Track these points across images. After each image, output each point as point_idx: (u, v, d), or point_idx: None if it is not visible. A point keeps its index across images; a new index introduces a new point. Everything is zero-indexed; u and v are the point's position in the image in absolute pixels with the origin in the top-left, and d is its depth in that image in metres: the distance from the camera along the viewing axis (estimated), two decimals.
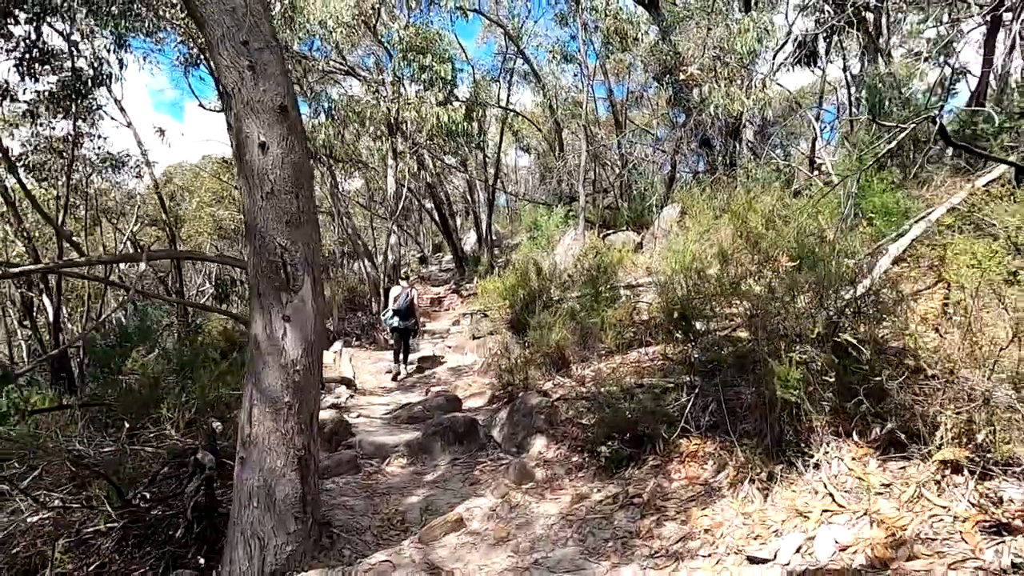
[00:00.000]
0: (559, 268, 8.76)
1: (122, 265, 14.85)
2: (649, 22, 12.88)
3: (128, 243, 14.66)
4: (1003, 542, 1.85)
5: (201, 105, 13.61)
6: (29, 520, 3.19)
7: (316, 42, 13.51)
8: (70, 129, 10.10)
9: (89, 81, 8.16)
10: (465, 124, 11.54)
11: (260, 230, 2.61)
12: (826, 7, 8.62)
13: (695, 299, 3.95)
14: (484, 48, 24.72)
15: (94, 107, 10.37)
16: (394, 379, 8.52)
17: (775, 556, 2.26)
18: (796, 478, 2.67)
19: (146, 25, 8.90)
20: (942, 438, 2.19)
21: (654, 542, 2.74)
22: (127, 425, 4.12)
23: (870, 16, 9.16)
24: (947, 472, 2.17)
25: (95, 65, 8.14)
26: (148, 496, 3.46)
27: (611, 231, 11.84)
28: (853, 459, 2.57)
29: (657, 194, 12.22)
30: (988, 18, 7.10)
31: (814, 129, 11.13)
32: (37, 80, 8.10)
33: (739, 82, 9.94)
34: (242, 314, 13.86)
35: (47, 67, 8.16)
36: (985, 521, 1.94)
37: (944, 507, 2.07)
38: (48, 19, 7.99)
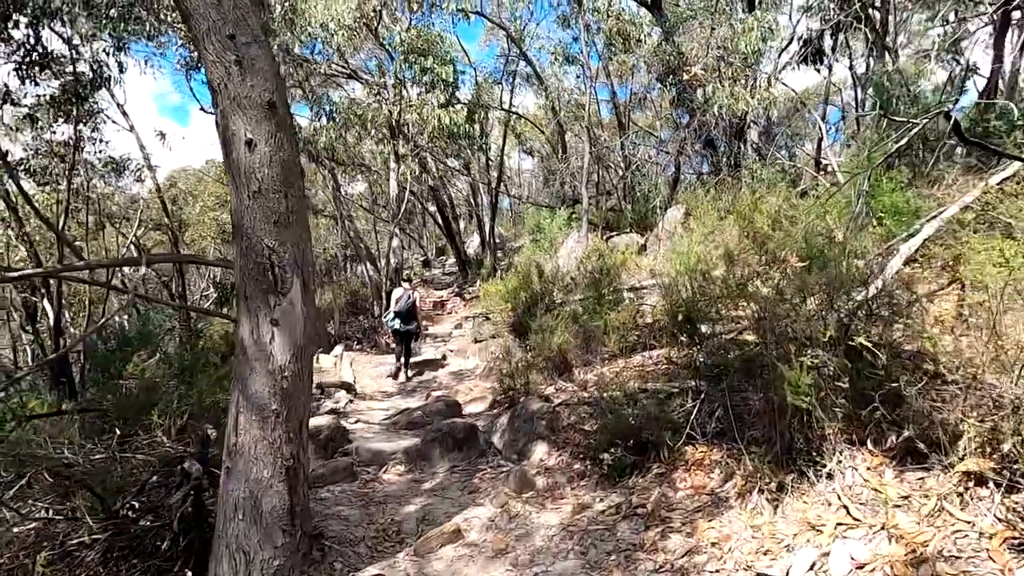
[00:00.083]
0: (562, 271, 8.65)
1: (126, 269, 14.86)
2: (652, 24, 12.79)
3: (132, 247, 14.64)
4: None
5: (203, 109, 13.64)
6: (13, 531, 3.10)
7: (318, 45, 13.50)
8: (71, 133, 10.08)
9: (88, 85, 8.10)
10: (467, 126, 11.46)
11: (247, 231, 2.52)
12: (831, 6, 8.52)
13: (700, 301, 3.83)
14: (487, 51, 24.64)
15: (95, 111, 10.35)
16: (394, 378, 8.42)
17: (787, 573, 2.14)
18: (808, 489, 2.55)
19: (147, 28, 8.87)
20: (965, 448, 2.06)
21: (659, 556, 2.62)
22: (118, 432, 4.03)
23: (876, 14, 9.05)
24: (970, 484, 2.05)
25: (94, 68, 8.09)
26: (137, 506, 3.37)
27: (615, 233, 11.73)
28: (868, 469, 2.44)
29: (661, 196, 12.09)
30: (998, 16, 6.97)
31: (820, 129, 11.01)
32: (37, 84, 8.06)
33: (743, 82, 9.82)
34: None
35: (47, 71, 8.11)
36: (1014, 538, 1.81)
37: (968, 522, 1.95)
38: (48, 22, 7.95)
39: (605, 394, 4.18)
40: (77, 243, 13.18)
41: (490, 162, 17.72)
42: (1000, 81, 7.65)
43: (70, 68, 8.64)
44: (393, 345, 9.44)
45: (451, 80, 11.70)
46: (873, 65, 8.49)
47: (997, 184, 4.67)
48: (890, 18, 8.79)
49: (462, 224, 23.53)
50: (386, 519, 3.45)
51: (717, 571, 2.36)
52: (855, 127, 12.34)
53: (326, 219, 22.04)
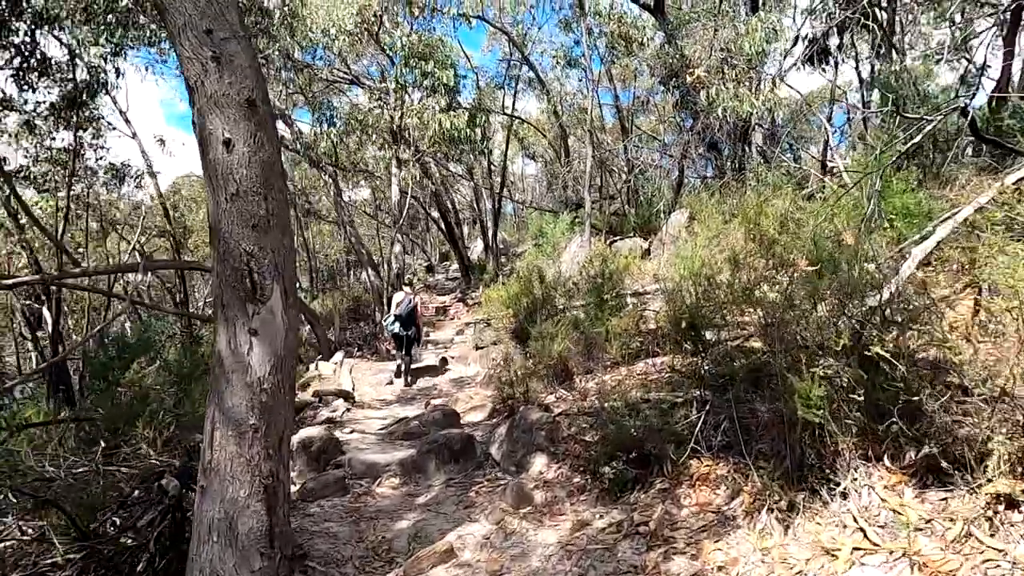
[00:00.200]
0: (564, 275, 8.51)
1: (131, 276, 14.83)
2: (655, 27, 12.67)
3: (136, 254, 14.62)
4: None
5: None
6: None
7: (319, 51, 13.48)
8: (71, 140, 10.05)
9: (85, 90, 8.05)
10: (468, 130, 11.35)
11: (224, 235, 2.39)
12: (835, 7, 8.37)
13: (705, 307, 3.67)
14: (489, 56, 24.65)
15: (95, 117, 10.32)
16: (393, 385, 8.31)
17: None
18: (821, 508, 2.38)
19: (146, 34, 8.83)
20: (994, 468, 1.89)
21: None
22: (103, 444, 3.91)
23: (882, 14, 8.89)
24: (1000, 508, 1.88)
25: (92, 74, 8.04)
26: (119, 522, 3.24)
27: (618, 237, 11.57)
28: (886, 488, 2.28)
29: (664, 199, 11.94)
30: (1008, 14, 6.80)
31: (825, 131, 10.83)
32: (34, 91, 8.02)
33: (747, 84, 9.67)
34: None
35: (45, 78, 8.07)
36: None
37: (999, 550, 1.78)
38: (47, 28, 7.91)
39: (606, 404, 4.02)
40: (80, 249, 13.18)
41: (493, 167, 17.63)
42: (1011, 79, 7.47)
43: (68, 74, 8.61)
44: (394, 352, 9.32)
45: (452, 84, 11.62)
46: (879, 65, 8.33)
47: (1013, 184, 4.50)
48: (897, 17, 8.64)
49: (465, 229, 23.45)
50: (377, 536, 3.30)
51: None
52: (862, 128, 12.16)
53: (329, 225, 22.05)
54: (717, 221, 7.20)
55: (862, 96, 10.30)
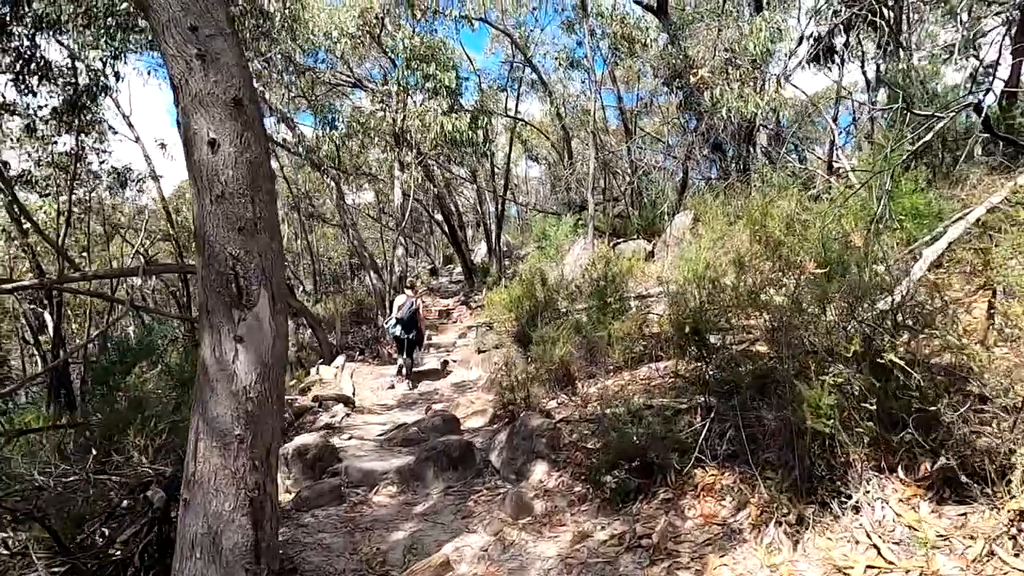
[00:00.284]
0: (567, 278, 8.41)
1: (136, 281, 14.83)
2: (659, 29, 12.58)
3: (140, 257, 14.63)
4: None
5: None
6: None
7: (321, 53, 13.46)
8: (73, 144, 10.05)
9: (84, 94, 8.04)
10: (470, 133, 11.28)
11: (209, 238, 2.31)
12: (841, 5, 8.25)
13: (709, 310, 3.57)
14: (492, 58, 24.62)
15: (96, 121, 10.32)
16: (394, 386, 8.24)
17: None
18: (831, 523, 2.27)
19: (147, 38, 8.80)
20: (1019, 482, 1.78)
21: None
22: (94, 451, 3.83)
23: (889, 13, 8.76)
24: None
25: (91, 78, 8.02)
26: (107, 533, 3.16)
27: (621, 240, 11.47)
28: (900, 501, 2.17)
29: (668, 201, 11.84)
30: (1018, 12, 6.66)
31: (832, 131, 10.70)
32: (35, 95, 8.01)
33: (752, 84, 9.56)
34: None
35: (45, 82, 8.06)
36: None
37: None
38: (48, 32, 7.90)
39: (608, 410, 3.92)
40: (84, 253, 13.18)
41: (496, 170, 17.57)
42: (1021, 77, 7.32)
43: (68, 79, 8.60)
44: (395, 355, 9.25)
45: (454, 86, 11.56)
46: (886, 64, 8.20)
47: None
48: (904, 15, 8.51)
49: (469, 232, 23.38)
50: (371, 548, 3.21)
51: None
52: (868, 129, 12.02)
53: (333, 228, 22.03)
54: (722, 223, 7.09)
55: (868, 96, 10.17)
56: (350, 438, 5.43)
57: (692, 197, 11.29)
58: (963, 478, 2.01)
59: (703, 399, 3.45)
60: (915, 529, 2.01)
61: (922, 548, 1.90)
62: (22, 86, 7.79)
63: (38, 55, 7.78)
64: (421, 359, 9.46)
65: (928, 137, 2.97)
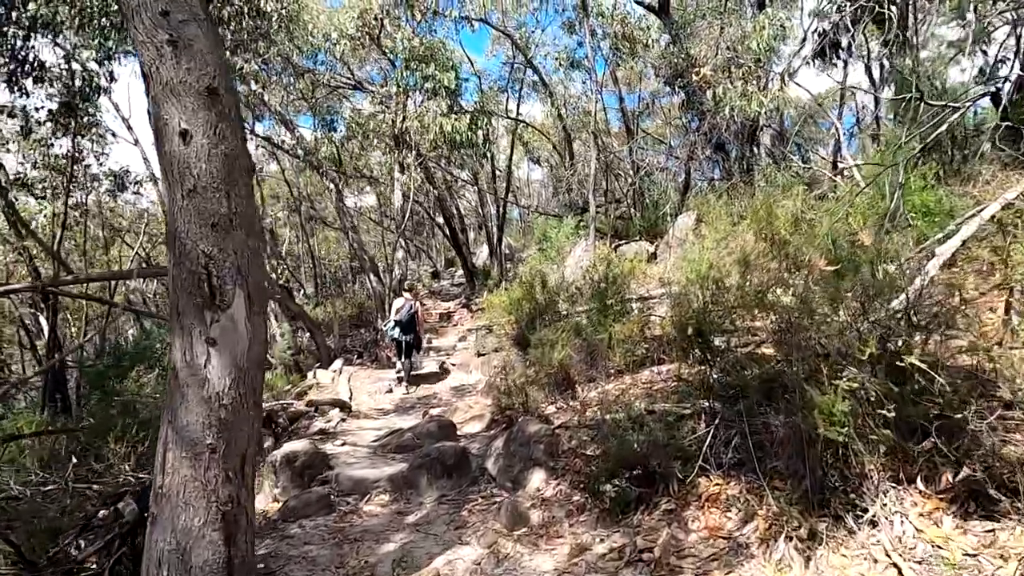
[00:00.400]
0: (568, 280, 8.27)
1: (134, 283, 14.74)
2: (661, 30, 12.45)
3: (140, 261, 14.53)
4: None
5: None
6: None
7: (320, 55, 13.39)
8: (70, 146, 9.96)
9: (78, 95, 7.95)
10: (469, 134, 11.16)
11: (180, 235, 2.18)
12: (845, 2, 8.09)
13: (713, 311, 3.41)
14: (493, 60, 24.48)
15: (94, 123, 10.23)
16: (392, 390, 8.12)
17: None
18: (846, 538, 2.11)
19: None
20: None
21: None
22: (74, 459, 3.70)
23: (895, 9, 8.59)
24: None
25: (85, 78, 7.93)
26: (83, 545, 3.02)
27: (623, 241, 11.31)
28: (921, 515, 2.01)
29: (671, 202, 11.68)
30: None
31: (837, 130, 10.55)
32: (28, 96, 7.92)
33: (755, 82, 9.42)
34: None
35: (39, 83, 7.97)
36: None
37: None
38: (42, 33, 7.82)
39: (608, 416, 3.76)
40: (84, 256, 13.10)
41: (498, 172, 17.46)
42: None
43: (65, 80, 8.52)
44: (394, 359, 9.12)
45: (453, 87, 11.45)
46: (892, 61, 8.05)
47: None
48: (909, 11, 8.36)
49: (471, 235, 23.27)
50: (359, 561, 3.06)
51: None
52: (873, 129, 11.85)
53: (335, 232, 21.93)
54: (725, 223, 6.94)
55: (875, 89, 10.01)
56: (343, 444, 5.28)
57: (695, 198, 11.14)
58: (991, 491, 1.86)
59: (707, 404, 3.29)
60: (939, 547, 1.85)
61: (948, 568, 1.75)
62: (16, 88, 7.70)
63: (31, 56, 7.69)
64: (420, 362, 9.32)
65: (943, 128, 2.82)
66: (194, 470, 2.08)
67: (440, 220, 20.69)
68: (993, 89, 3.11)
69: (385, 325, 8.71)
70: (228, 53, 9.81)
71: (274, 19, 9.51)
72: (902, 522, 2.01)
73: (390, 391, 8.16)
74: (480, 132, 11.38)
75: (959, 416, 1.91)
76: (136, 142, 13.35)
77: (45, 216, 11.31)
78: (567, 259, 11.02)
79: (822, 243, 3.14)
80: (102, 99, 9.59)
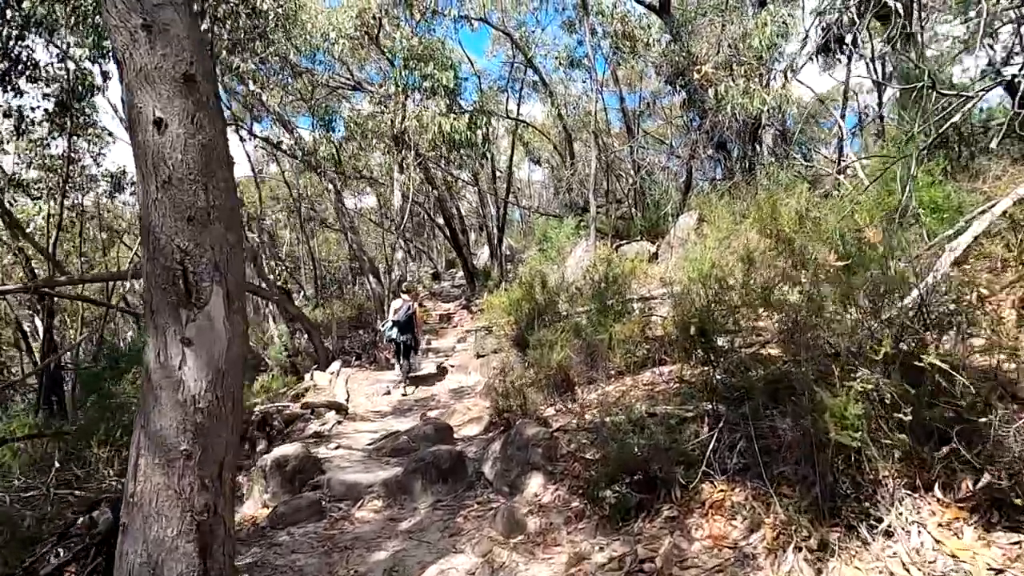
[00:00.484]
0: (568, 280, 8.15)
1: (137, 284, 14.61)
2: (661, 30, 12.34)
3: (140, 262, 14.42)
4: None
5: None
6: None
7: (319, 55, 13.30)
8: (65, 147, 9.88)
9: (70, 93, 7.86)
10: (468, 133, 11.05)
11: (155, 229, 2.07)
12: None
13: (716, 311, 3.29)
14: (494, 60, 24.38)
15: (90, 123, 10.16)
16: (390, 392, 8.02)
17: None
18: (860, 549, 1.99)
19: None
20: None
21: None
22: (57, 464, 3.59)
23: (899, 4, 8.48)
24: None
25: (77, 76, 7.84)
26: (61, 553, 2.91)
27: (624, 241, 11.20)
28: (940, 526, 1.88)
29: (672, 202, 11.55)
30: None
31: (840, 128, 10.43)
32: (21, 95, 7.84)
33: (757, 79, 9.30)
34: None
35: (33, 82, 7.89)
36: None
37: None
38: (34, 31, 7.73)
39: (607, 418, 3.64)
40: (82, 258, 13.01)
41: (498, 173, 17.36)
42: None
43: (61, 82, 8.44)
44: (393, 360, 9.01)
45: (452, 86, 11.36)
46: (896, 56, 7.93)
47: None
48: (914, 7, 8.24)
49: (472, 236, 23.18)
50: (348, 571, 2.94)
51: None
52: (878, 123, 11.70)
53: (336, 233, 21.84)
54: (728, 222, 6.82)
55: (879, 94, 9.89)
56: (337, 447, 5.16)
57: (696, 197, 11.02)
58: (1015, 499, 1.73)
59: (710, 406, 3.17)
60: (960, 559, 1.73)
61: None
62: (9, 87, 7.61)
63: (25, 55, 7.61)
64: (419, 364, 9.21)
65: (956, 118, 2.69)
66: (167, 478, 1.97)
67: (440, 221, 20.60)
68: (1009, 76, 2.99)
69: (383, 326, 8.64)
70: (225, 52, 9.73)
71: (271, 17, 9.42)
72: (920, 533, 1.89)
73: (388, 393, 8.05)
74: (479, 132, 11.28)
75: (983, 420, 1.79)
76: None
77: (43, 218, 11.23)
78: (567, 259, 10.90)
79: (830, 238, 3.01)
80: (99, 99, 9.56)
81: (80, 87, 7.99)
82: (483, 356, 8.72)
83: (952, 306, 2.27)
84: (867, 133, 13.32)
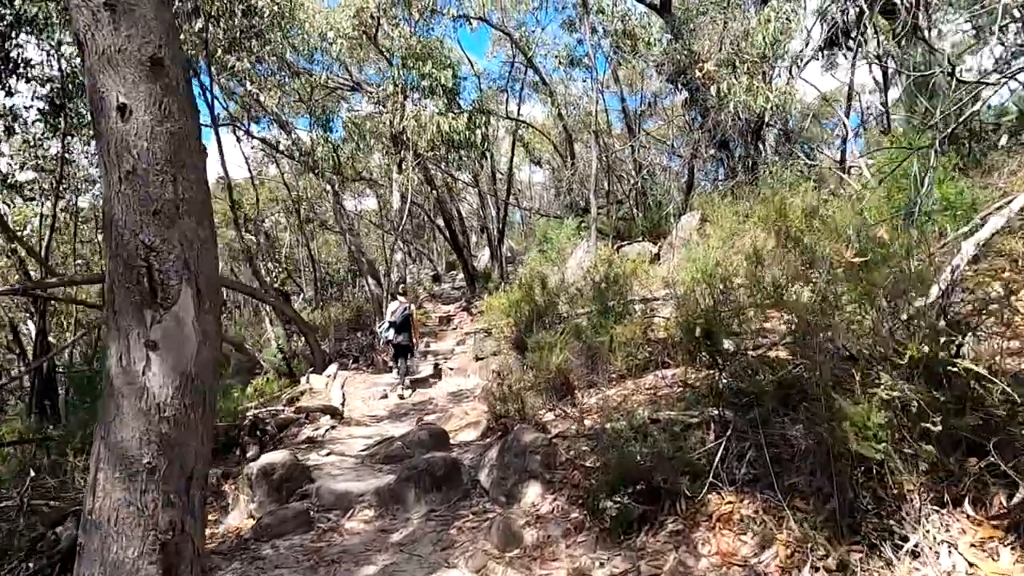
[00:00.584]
0: (569, 282, 8.00)
1: None
2: (662, 28, 12.20)
3: None
4: None
5: (204, 124, 13.31)
6: None
7: (317, 55, 13.19)
8: (60, 147, 9.75)
9: (61, 92, 7.73)
10: (467, 133, 10.92)
11: (117, 223, 1.91)
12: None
13: (722, 311, 3.14)
14: (494, 61, 24.27)
15: (86, 124, 10.02)
16: (387, 395, 7.87)
17: None
18: (883, 570, 1.82)
19: None
20: None
21: None
22: (32, 473, 3.43)
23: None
24: None
25: (67, 74, 7.72)
26: (31, 567, 2.75)
27: (626, 242, 11.04)
28: (972, 545, 1.72)
29: (674, 202, 11.39)
30: None
31: (844, 127, 10.26)
32: (11, 95, 7.71)
33: (760, 77, 9.15)
34: (236, 336, 13.24)
35: (24, 80, 7.77)
36: None
37: None
38: (25, 30, 7.61)
39: (608, 424, 3.48)
40: (75, 256, 12.88)
41: (498, 174, 17.23)
42: None
43: (50, 77, 8.31)
44: (391, 364, 8.87)
45: (451, 85, 11.24)
46: (904, 53, 7.77)
47: None
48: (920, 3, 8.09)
49: (472, 238, 23.05)
50: None
51: None
52: (880, 127, 11.55)
53: (336, 235, 21.70)
54: (731, 221, 6.66)
55: (884, 88, 9.73)
56: (329, 454, 5.00)
57: (699, 197, 10.86)
58: None
59: (717, 412, 3.01)
60: None
61: None
62: (1, 86, 7.49)
63: (16, 54, 7.49)
64: (417, 366, 9.06)
65: (977, 106, 2.54)
66: (128, 493, 1.81)
67: (440, 223, 20.47)
68: None
69: (380, 327, 8.53)
70: (220, 51, 9.61)
71: (266, 15, 9.30)
72: (950, 553, 1.72)
73: (385, 396, 7.90)
74: (478, 131, 11.15)
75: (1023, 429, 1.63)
76: None
77: (40, 219, 11.10)
78: (568, 260, 10.75)
79: (842, 235, 2.86)
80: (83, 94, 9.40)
81: (72, 86, 7.86)
82: (482, 359, 8.57)
83: (975, 305, 2.10)
84: (871, 133, 13.18)
